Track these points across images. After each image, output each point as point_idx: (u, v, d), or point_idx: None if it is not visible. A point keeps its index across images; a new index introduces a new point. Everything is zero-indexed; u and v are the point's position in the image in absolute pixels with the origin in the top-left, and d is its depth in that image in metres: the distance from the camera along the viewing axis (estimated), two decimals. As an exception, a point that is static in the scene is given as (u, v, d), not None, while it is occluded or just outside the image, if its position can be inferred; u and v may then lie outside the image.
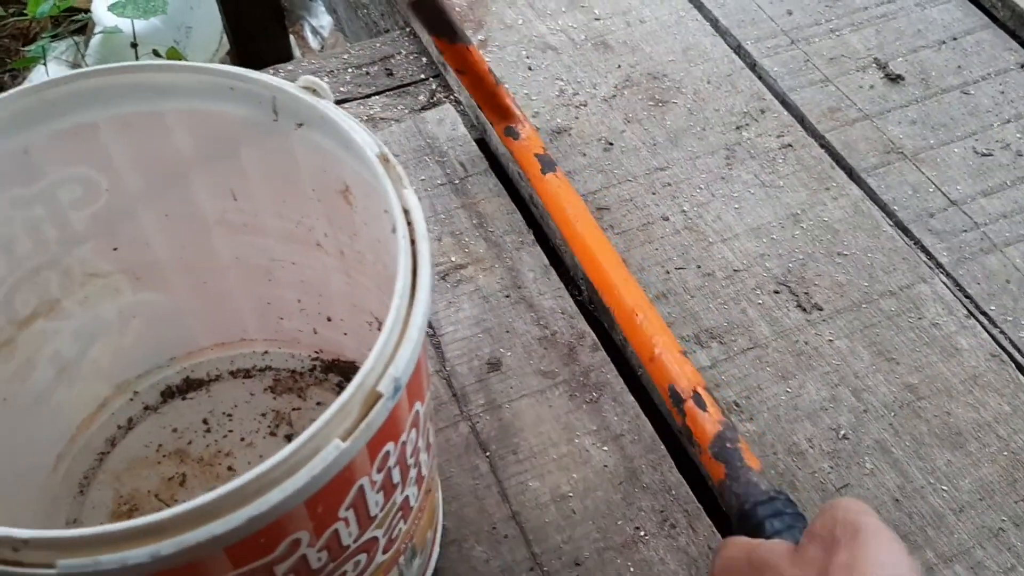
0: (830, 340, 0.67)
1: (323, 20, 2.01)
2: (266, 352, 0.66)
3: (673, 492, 0.60)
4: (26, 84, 0.44)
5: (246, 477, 0.34)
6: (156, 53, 1.80)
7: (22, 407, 0.55)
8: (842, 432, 0.63)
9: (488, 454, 0.61)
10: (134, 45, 1.77)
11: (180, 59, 1.81)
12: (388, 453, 0.41)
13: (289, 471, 0.35)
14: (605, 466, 0.61)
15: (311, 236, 0.55)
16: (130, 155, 0.50)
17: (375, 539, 0.44)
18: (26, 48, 2.05)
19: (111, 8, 1.65)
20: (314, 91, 0.46)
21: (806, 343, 0.67)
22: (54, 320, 0.55)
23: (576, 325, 0.67)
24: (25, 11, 2.03)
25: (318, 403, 0.64)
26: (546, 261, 0.71)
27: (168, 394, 0.64)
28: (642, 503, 0.59)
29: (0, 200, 0.48)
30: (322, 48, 1.98)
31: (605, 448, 0.61)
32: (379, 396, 0.37)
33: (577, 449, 0.61)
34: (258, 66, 1.94)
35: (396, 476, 0.43)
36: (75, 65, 1.96)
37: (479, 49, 0.83)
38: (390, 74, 0.87)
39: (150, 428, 0.62)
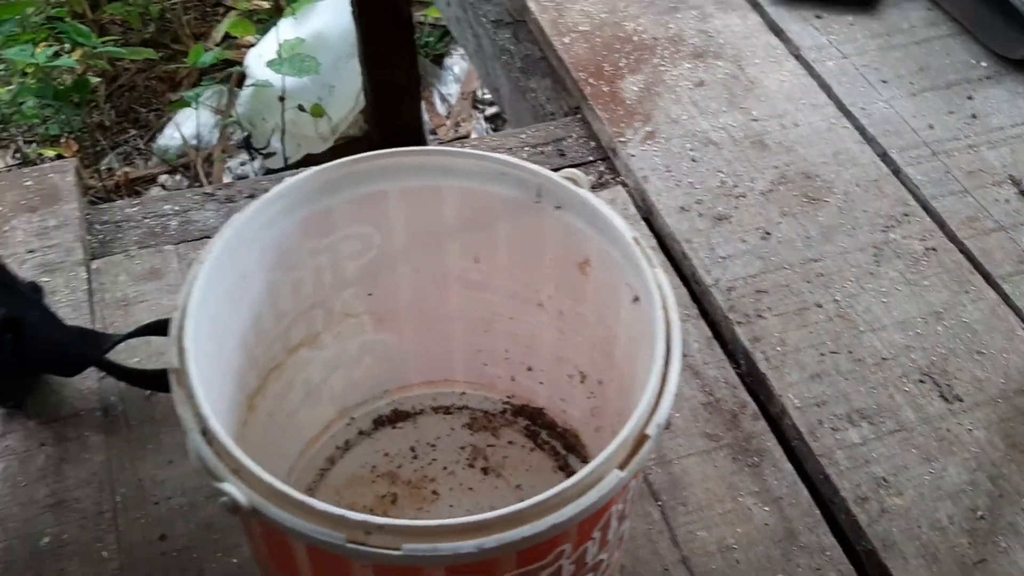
0: (969, 429, 0.74)
1: (451, 88, 2.14)
2: (464, 392, 0.75)
3: (827, 553, 0.66)
4: (331, 164, 0.54)
5: (549, 493, 0.43)
6: (301, 108, 1.94)
7: (279, 422, 0.64)
8: (979, 513, 0.69)
9: (660, 503, 0.69)
10: (281, 99, 1.92)
11: (323, 115, 1.96)
12: (631, 486, 0.49)
13: (580, 491, 0.43)
14: (766, 524, 0.68)
15: (535, 297, 0.64)
16: (405, 219, 0.60)
17: (601, 562, 0.52)
18: (173, 92, 2.22)
19: (269, 64, 1.80)
20: (574, 180, 0.55)
21: (948, 430, 0.73)
22: (313, 350, 0.65)
23: (738, 395, 0.75)
24: (184, 59, 2.20)
25: (509, 442, 0.73)
26: (709, 334, 0.79)
27: (380, 422, 0.73)
28: (799, 560, 0.66)
29: (301, 249, 0.58)
30: (448, 114, 2.11)
31: (766, 508, 0.69)
32: (647, 438, 0.45)
33: (740, 507, 0.69)
34: (391, 127, 2.07)
35: (629, 507, 0.51)
36: (219, 111, 2.12)
37: (647, 139, 0.93)
38: (562, 155, 0.97)
39: (365, 451, 0.72)
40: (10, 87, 1.98)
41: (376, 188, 0.58)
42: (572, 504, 0.43)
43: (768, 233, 0.86)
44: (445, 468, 0.71)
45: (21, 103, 1.98)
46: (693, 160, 0.93)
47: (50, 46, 1.99)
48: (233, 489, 0.42)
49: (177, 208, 0.89)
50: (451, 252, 0.63)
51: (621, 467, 0.44)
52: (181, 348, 0.47)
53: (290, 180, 0.55)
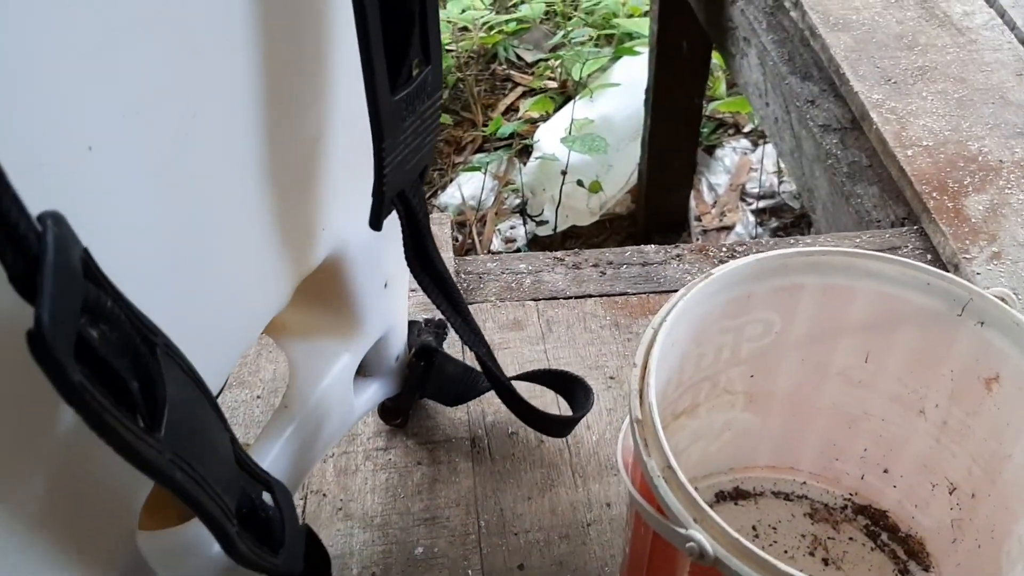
0: None
1: (720, 179, 2.19)
2: (805, 483, 0.77)
3: None
4: (754, 259, 0.59)
5: None
6: (580, 183, 2.05)
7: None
8: None
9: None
10: (563, 173, 2.04)
11: (599, 191, 2.05)
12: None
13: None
14: None
15: (919, 403, 0.66)
16: (810, 312, 0.64)
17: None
18: (458, 155, 2.39)
19: (563, 140, 1.91)
20: (1003, 299, 0.58)
21: None
22: (689, 419, 0.69)
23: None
24: (471, 126, 2.38)
25: (849, 538, 0.74)
26: None
27: (721, 496, 0.77)
28: None
29: (715, 327, 0.63)
30: (714, 203, 2.16)
31: None
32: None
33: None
34: (659, 209, 2.14)
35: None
36: (498, 177, 2.27)
37: (993, 259, 0.93)
38: (894, 263, 0.99)
39: (709, 521, 0.75)
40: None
41: (796, 281, 0.62)
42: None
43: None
44: (786, 552, 0.73)
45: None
46: (1041, 286, 0.92)
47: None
48: (700, 537, 0.47)
49: (531, 268, 0.98)
50: (842, 347, 0.66)
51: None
52: (645, 398, 0.52)
53: (727, 268, 0.60)
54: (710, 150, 2.26)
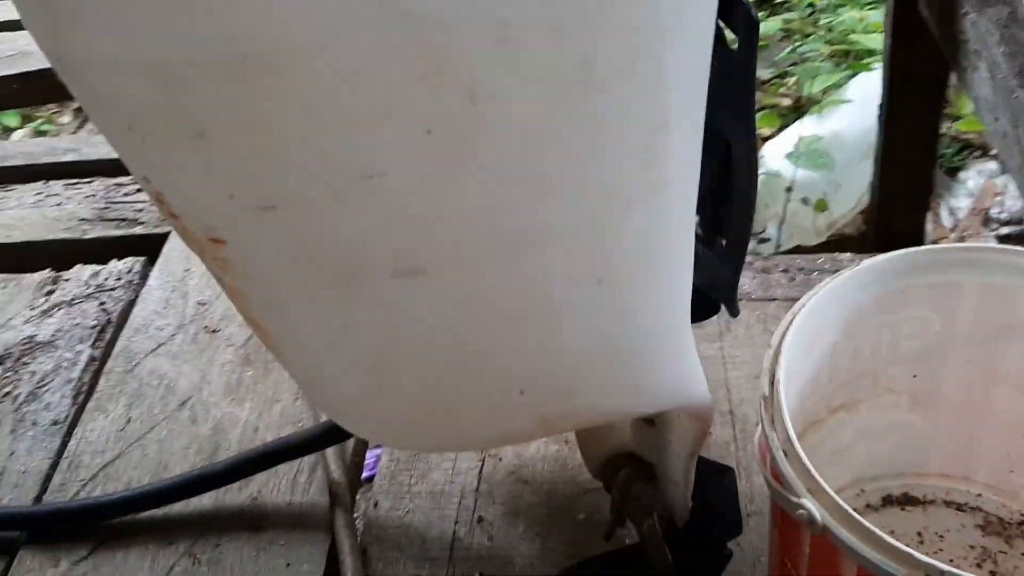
0: None
1: (961, 202, 2.07)
2: (980, 495, 0.75)
3: None
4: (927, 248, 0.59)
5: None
6: (804, 201, 2.02)
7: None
8: None
9: None
10: (788, 190, 2.01)
11: (825, 210, 2.01)
12: None
13: None
14: None
15: (1095, 415, 0.64)
16: (972, 312, 0.64)
17: None
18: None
19: (787, 156, 1.90)
20: None
21: None
22: (850, 414, 0.70)
23: None
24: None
25: (1022, 554, 0.71)
26: None
27: (888, 500, 0.76)
28: None
29: (870, 321, 0.65)
30: (954, 228, 2.05)
31: None
32: None
33: None
34: (892, 231, 2.05)
35: None
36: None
37: None
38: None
39: (871, 524, 0.75)
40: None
41: (952, 278, 0.62)
42: None
43: None
44: (951, 561, 0.72)
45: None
46: None
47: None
48: (810, 505, 0.49)
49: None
50: (1012, 352, 0.65)
51: None
52: (775, 378, 0.55)
53: (874, 260, 0.61)
54: (953, 172, 2.14)
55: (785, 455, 0.52)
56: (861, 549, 0.48)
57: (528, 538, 0.78)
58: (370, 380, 0.46)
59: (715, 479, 0.68)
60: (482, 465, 0.83)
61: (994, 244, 0.61)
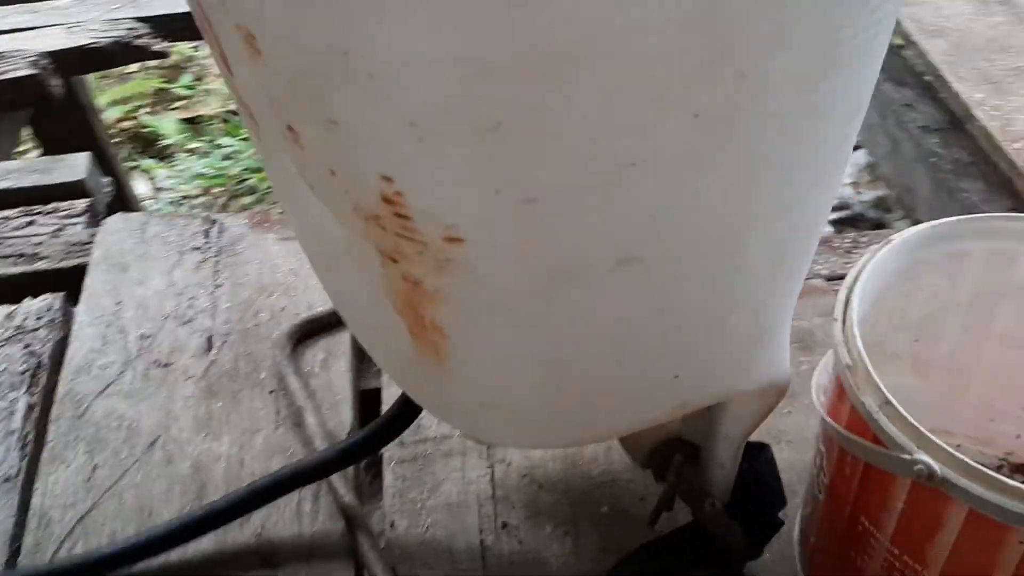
0: None
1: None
2: (959, 444, 0.82)
3: None
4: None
5: None
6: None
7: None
8: None
9: None
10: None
11: None
12: None
13: None
14: None
15: (1078, 360, 0.72)
16: (974, 277, 0.70)
17: None
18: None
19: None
20: None
21: None
22: (861, 382, 0.75)
23: None
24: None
25: (1006, 495, 0.79)
26: None
27: (880, 460, 0.82)
28: None
29: (890, 292, 0.69)
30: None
31: None
32: None
33: None
34: None
35: None
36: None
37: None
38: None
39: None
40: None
41: (963, 247, 0.68)
42: None
43: None
44: (949, 508, 0.78)
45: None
46: None
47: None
48: (927, 459, 0.53)
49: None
50: (1003, 312, 0.72)
51: None
52: (854, 348, 0.58)
53: (909, 232, 0.66)
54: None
55: (887, 417, 0.55)
56: (983, 494, 0.51)
57: (557, 537, 0.77)
58: (544, 377, 0.45)
59: (757, 454, 0.70)
60: (492, 471, 0.82)
61: (1007, 215, 0.68)
